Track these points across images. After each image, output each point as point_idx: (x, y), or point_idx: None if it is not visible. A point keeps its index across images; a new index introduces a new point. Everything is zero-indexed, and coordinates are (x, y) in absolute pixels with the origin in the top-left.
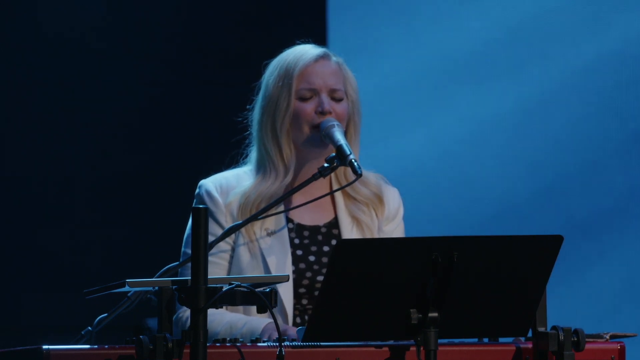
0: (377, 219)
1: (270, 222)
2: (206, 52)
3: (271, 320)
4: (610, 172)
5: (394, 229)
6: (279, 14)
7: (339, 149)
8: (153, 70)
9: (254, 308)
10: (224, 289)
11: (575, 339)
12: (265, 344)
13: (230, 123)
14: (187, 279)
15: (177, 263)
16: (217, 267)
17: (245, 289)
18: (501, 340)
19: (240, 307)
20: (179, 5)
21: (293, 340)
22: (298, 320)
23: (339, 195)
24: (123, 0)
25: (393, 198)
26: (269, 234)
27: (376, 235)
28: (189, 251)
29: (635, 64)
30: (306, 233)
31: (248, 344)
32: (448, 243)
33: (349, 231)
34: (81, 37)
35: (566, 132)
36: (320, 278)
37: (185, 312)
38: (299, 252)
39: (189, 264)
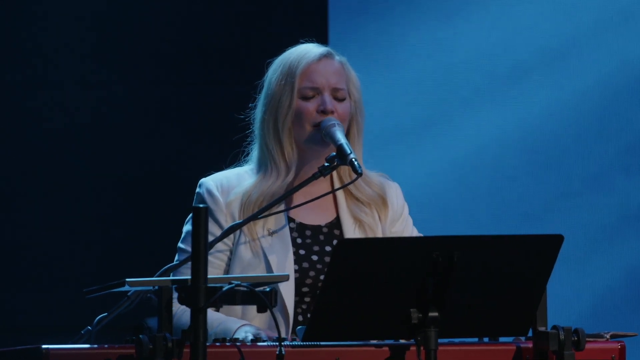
0: (380, 221)
1: (272, 222)
2: (207, 50)
3: (246, 322)
4: (611, 172)
5: (403, 229)
6: (281, 12)
7: (339, 148)
8: (153, 69)
9: (253, 308)
10: (224, 289)
11: (576, 338)
12: (265, 343)
13: (231, 122)
14: (187, 279)
15: (176, 262)
16: (212, 267)
17: (245, 289)
18: (501, 339)
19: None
20: (180, 5)
21: (265, 341)
22: (300, 318)
23: (341, 196)
24: None
25: (396, 196)
26: (271, 234)
27: (379, 236)
28: (184, 246)
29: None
30: (308, 233)
31: (248, 344)
32: (448, 242)
33: (351, 232)
34: (80, 36)
35: (568, 134)
36: (323, 277)
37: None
38: (302, 252)
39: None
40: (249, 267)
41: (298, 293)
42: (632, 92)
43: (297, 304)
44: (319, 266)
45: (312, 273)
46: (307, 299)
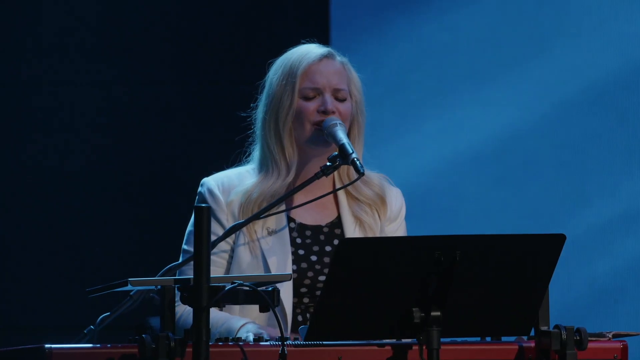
0: (380, 220)
1: (272, 222)
2: (209, 50)
3: (249, 320)
4: (612, 170)
5: (396, 229)
6: (283, 12)
7: (342, 147)
8: (154, 69)
9: (252, 309)
10: (227, 288)
11: (578, 337)
12: (268, 343)
13: (233, 122)
14: (189, 278)
15: (179, 262)
16: (216, 266)
17: (247, 288)
18: (504, 339)
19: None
20: (180, 5)
21: (267, 340)
22: (299, 318)
23: (342, 196)
24: None
25: (395, 198)
26: (270, 234)
27: (378, 236)
28: (188, 247)
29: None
30: (308, 232)
31: (250, 343)
32: (450, 242)
33: (351, 231)
34: (81, 36)
35: (569, 134)
36: (322, 278)
37: (179, 307)
38: (301, 252)
39: (189, 263)
40: (247, 268)
41: (296, 294)
42: (633, 91)
43: (296, 305)
44: (317, 267)
45: (310, 273)
46: (305, 300)
